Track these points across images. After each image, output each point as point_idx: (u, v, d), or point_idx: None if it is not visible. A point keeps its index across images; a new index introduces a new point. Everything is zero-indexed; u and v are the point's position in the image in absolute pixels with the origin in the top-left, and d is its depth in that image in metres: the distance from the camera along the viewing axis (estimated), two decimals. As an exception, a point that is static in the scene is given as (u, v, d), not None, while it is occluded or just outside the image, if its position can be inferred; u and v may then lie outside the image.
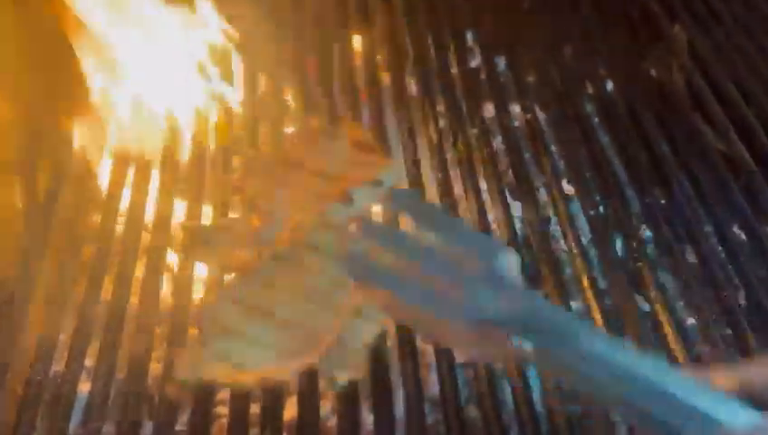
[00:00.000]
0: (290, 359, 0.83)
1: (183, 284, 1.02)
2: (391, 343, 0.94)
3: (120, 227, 1.10)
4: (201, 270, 1.05)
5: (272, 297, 0.90)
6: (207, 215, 1.11)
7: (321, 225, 0.98)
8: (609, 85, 1.36)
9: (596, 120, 1.31)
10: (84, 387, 0.94)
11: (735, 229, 1.15)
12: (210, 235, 1.02)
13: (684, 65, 1.35)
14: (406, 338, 0.95)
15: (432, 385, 0.97)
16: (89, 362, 0.97)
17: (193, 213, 1.10)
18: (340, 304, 0.89)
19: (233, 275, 0.98)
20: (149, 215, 1.11)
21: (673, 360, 0.96)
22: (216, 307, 0.90)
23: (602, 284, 1.07)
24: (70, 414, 0.91)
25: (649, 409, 0.51)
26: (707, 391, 0.51)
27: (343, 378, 0.85)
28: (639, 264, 1.08)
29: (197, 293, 1.02)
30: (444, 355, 0.94)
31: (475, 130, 1.25)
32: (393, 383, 0.92)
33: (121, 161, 1.17)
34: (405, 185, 1.13)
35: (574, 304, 1.05)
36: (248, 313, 0.88)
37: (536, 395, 0.93)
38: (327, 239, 0.96)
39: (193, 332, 0.94)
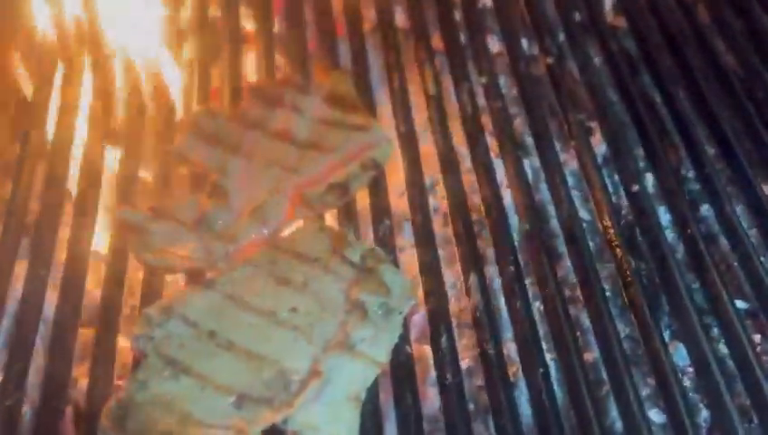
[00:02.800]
0: (253, 409, 0.63)
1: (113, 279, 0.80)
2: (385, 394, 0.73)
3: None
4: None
5: (233, 318, 0.69)
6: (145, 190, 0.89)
7: (305, 222, 0.78)
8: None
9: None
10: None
11: None
12: (147, 224, 0.79)
13: None
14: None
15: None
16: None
17: (127, 191, 0.87)
18: (326, 335, 0.68)
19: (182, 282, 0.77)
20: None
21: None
22: (161, 331, 0.69)
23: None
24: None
25: None
26: None
27: None
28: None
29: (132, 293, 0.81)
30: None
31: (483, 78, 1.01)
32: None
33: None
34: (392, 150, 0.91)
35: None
36: (203, 340, 0.67)
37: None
38: (314, 243, 0.75)
39: (126, 360, 0.73)
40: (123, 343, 0.76)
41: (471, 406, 0.83)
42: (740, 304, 0.93)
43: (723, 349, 0.83)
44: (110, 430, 0.64)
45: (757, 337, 0.92)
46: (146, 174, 0.90)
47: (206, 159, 0.86)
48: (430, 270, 0.82)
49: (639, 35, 1.08)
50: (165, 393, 0.65)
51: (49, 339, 0.77)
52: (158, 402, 0.64)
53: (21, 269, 0.82)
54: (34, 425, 0.72)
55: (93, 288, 0.83)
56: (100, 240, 0.85)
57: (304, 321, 0.70)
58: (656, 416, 0.84)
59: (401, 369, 0.73)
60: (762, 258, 0.88)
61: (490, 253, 0.86)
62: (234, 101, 0.95)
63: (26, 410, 0.75)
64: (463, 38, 1.08)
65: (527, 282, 0.84)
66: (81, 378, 0.78)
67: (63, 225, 0.85)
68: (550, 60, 1.04)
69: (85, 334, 0.79)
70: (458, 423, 0.72)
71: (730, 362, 0.81)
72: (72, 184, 0.89)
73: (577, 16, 1.11)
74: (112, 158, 0.92)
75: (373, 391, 0.70)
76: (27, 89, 1.00)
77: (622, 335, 0.90)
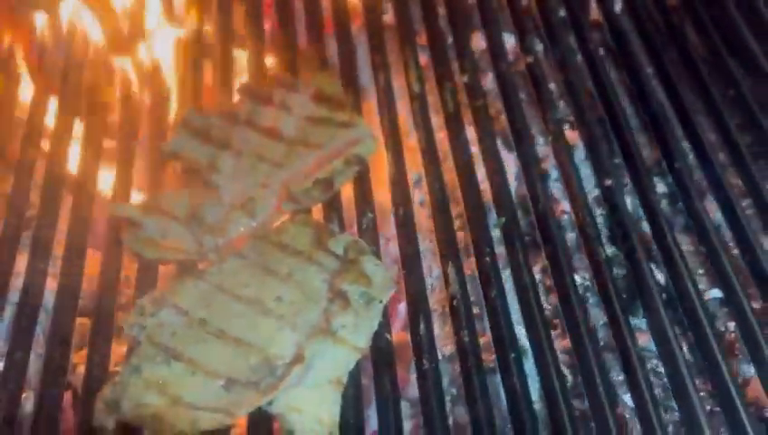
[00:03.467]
0: (240, 392, 0.66)
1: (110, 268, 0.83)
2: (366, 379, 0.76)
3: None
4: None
5: (222, 307, 0.72)
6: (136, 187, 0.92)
7: (291, 216, 0.80)
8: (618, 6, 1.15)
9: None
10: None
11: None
12: (139, 217, 0.82)
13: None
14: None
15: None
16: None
17: (121, 185, 0.90)
18: (309, 322, 0.71)
19: (173, 272, 0.80)
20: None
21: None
22: (154, 319, 0.72)
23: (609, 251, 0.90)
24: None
25: None
26: None
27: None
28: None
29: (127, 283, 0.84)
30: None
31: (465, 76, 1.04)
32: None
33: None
34: (376, 146, 0.93)
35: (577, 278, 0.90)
36: (193, 328, 0.71)
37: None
38: (300, 236, 0.78)
39: (119, 348, 0.76)
40: (119, 330, 0.78)
41: (449, 391, 0.86)
42: (715, 292, 0.97)
43: (690, 337, 0.86)
44: (105, 412, 0.68)
45: (731, 325, 0.95)
46: (139, 169, 0.93)
47: (197, 154, 0.88)
48: (411, 261, 0.84)
49: (618, 33, 1.11)
50: (157, 378, 0.68)
51: (49, 328, 0.80)
52: (151, 386, 0.68)
53: (22, 261, 0.86)
54: (36, 409, 0.75)
55: (90, 279, 0.85)
56: (97, 233, 0.88)
57: (289, 309, 0.74)
58: (629, 400, 0.88)
59: (381, 355, 0.77)
60: (734, 251, 0.91)
61: (470, 245, 0.89)
62: (224, 100, 0.97)
63: (27, 395, 0.78)
64: (447, 37, 1.10)
65: (504, 274, 0.86)
66: (79, 364, 0.81)
67: (62, 218, 0.88)
68: (530, 59, 1.07)
69: (83, 323, 0.82)
70: (435, 408, 0.75)
71: (695, 350, 0.84)
72: (70, 177, 0.92)
73: (560, 13, 1.14)
74: (108, 153, 0.96)
75: (355, 376, 0.73)
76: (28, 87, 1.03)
77: (598, 323, 0.94)
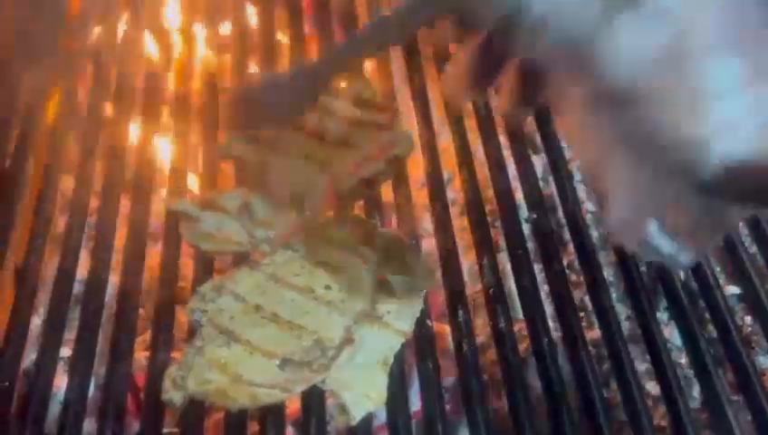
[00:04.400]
0: (295, 371, 0.72)
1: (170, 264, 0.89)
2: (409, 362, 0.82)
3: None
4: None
5: (276, 295, 0.78)
6: (193, 185, 0.98)
7: (336, 211, 0.86)
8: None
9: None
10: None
11: None
12: (195, 212, 0.89)
13: None
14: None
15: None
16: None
17: (178, 183, 0.96)
18: (356, 309, 0.77)
19: (229, 263, 0.86)
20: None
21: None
22: (214, 305, 0.78)
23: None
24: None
25: None
26: None
27: (356, 410, 0.73)
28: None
29: (185, 273, 0.90)
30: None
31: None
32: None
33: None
34: (413, 147, 0.99)
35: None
36: (250, 313, 0.76)
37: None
38: (345, 230, 0.84)
39: (181, 333, 0.82)
40: (179, 317, 0.85)
41: (485, 377, 0.91)
42: (733, 289, 1.01)
43: (712, 330, 0.91)
44: (172, 389, 0.74)
45: (748, 319, 1.00)
46: (194, 168, 0.99)
47: (248, 155, 0.94)
48: (448, 255, 0.90)
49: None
50: (219, 358, 0.74)
51: (113, 315, 0.85)
52: (213, 365, 0.74)
53: (84, 255, 0.92)
54: (104, 390, 0.81)
55: (151, 269, 0.92)
56: (156, 228, 0.94)
57: (337, 296, 0.79)
58: (652, 388, 0.92)
59: (423, 341, 0.82)
60: (751, 249, 0.96)
61: (502, 240, 0.94)
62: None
63: (94, 380, 0.84)
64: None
65: (535, 267, 0.91)
66: (141, 349, 0.87)
67: (122, 216, 0.94)
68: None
69: (145, 311, 0.88)
70: (474, 392, 0.80)
71: (718, 342, 0.88)
72: (129, 176, 0.98)
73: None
74: (164, 152, 1.02)
75: (399, 358, 0.79)
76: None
77: (622, 317, 0.99)
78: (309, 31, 1.15)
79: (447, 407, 0.85)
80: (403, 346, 0.79)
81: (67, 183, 0.99)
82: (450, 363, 0.86)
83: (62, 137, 1.01)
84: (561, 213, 0.98)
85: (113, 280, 0.90)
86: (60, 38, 1.11)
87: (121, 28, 1.13)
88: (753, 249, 0.97)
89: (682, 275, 0.95)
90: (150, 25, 1.14)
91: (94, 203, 0.97)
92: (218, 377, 0.73)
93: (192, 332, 0.80)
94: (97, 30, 1.13)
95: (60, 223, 0.97)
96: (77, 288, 0.89)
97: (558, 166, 1.01)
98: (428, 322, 0.83)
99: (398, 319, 0.79)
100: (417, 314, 0.81)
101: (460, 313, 0.85)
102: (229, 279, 0.82)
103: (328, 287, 0.80)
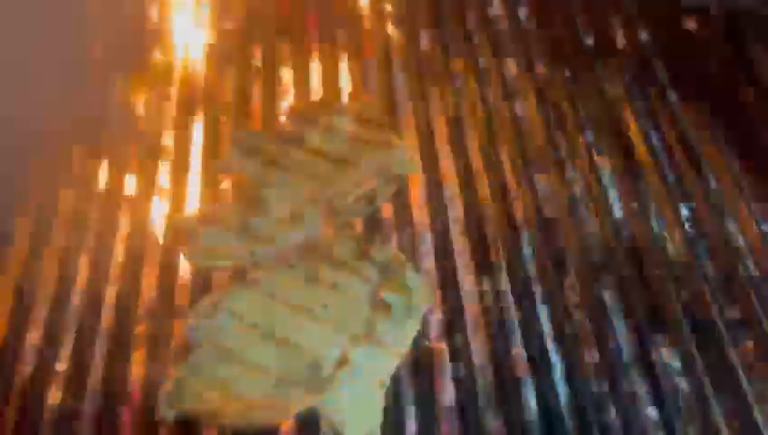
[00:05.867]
0: (290, 391, 0.72)
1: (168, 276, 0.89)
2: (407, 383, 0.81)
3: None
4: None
5: (272, 312, 0.78)
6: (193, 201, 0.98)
7: (336, 230, 0.86)
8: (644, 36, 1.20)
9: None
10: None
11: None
12: (195, 226, 0.88)
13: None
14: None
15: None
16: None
17: (177, 201, 0.96)
18: (353, 329, 0.77)
19: (228, 280, 0.86)
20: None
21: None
22: (212, 322, 0.78)
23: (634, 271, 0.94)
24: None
25: None
26: None
27: (351, 432, 0.73)
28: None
29: (183, 289, 0.89)
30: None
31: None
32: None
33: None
34: (417, 163, 0.99)
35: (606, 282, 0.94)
36: (247, 331, 0.76)
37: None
38: (344, 248, 0.84)
39: (177, 346, 0.81)
40: (176, 332, 0.84)
41: (482, 399, 0.90)
42: (733, 313, 1.00)
43: (711, 355, 0.89)
44: (166, 407, 0.73)
45: (749, 343, 0.98)
46: (195, 184, 0.99)
47: (249, 171, 0.94)
48: (447, 276, 0.89)
49: (644, 63, 1.16)
50: (214, 376, 0.74)
51: (109, 329, 0.85)
52: (209, 383, 0.74)
53: (84, 266, 0.91)
54: (98, 407, 0.81)
55: (149, 285, 0.91)
56: (156, 241, 0.94)
57: (334, 316, 0.79)
58: (651, 412, 0.91)
59: (421, 362, 0.81)
60: (753, 271, 0.95)
61: (502, 260, 0.93)
62: (272, 121, 1.03)
63: (89, 394, 0.83)
64: (482, 61, 1.15)
65: (536, 289, 0.90)
66: (137, 364, 0.86)
67: (121, 229, 0.94)
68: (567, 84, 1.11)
69: (142, 325, 0.87)
70: (470, 414, 0.79)
71: (719, 368, 0.87)
72: (130, 190, 0.98)
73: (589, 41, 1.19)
74: (164, 168, 1.01)
75: (396, 380, 0.78)
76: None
77: (622, 339, 0.98)
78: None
79: (443, 429, 0.85)
80: (399, 368, 0.78)
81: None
82: (448, 383, 0.86)
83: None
84: (562, 234, 0.98)
85: (111, 293, 0.89)
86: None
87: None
88: (755, 272, 0.96)
89: (683, 297, 0.95)
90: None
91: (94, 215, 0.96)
92: (213, 396, 0.73)
93: (189, 349, 0.79)
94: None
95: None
96: (74, 301, 0.89)
97: (561, 187, 1.00)
98: (426, 342, 0.82)
99: (396, 340, 0.78)
100: (415, 335, 0.81)
101: (458, 333, 0.84)
102: (227, 296, 0.81)
103: (325, 306, 0.80)
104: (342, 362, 0.75)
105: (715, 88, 1.12)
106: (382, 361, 0.77)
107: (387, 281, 0.83)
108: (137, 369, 0.84)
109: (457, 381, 0.82)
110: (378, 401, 0.75)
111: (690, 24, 1.20)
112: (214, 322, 0.78)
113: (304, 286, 0.82)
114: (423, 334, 0.83)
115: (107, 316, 0.87)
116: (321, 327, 0.78)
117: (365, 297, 0.81)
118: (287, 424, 0.79)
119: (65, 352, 0.85)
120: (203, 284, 0.87)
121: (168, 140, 1.03)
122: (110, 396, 0.80)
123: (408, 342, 0.80)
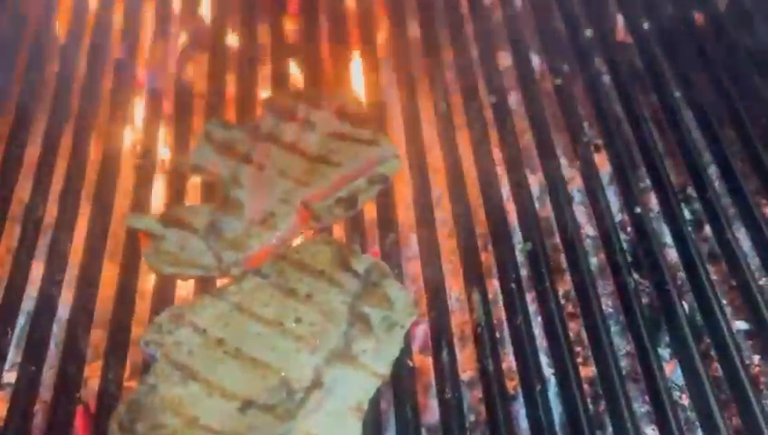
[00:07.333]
0: (257, 416, 0.65)
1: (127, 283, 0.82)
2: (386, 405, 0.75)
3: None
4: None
5: (240, 327, 0.71)
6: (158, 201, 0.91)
7: (312, 234, 0.80)
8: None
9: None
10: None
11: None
12: (158, 229, 0.82)
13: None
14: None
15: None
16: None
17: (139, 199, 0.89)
18: (329, 345, 0.70)
19: (192, 289, 0.79)
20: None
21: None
22: (171, 337, 0.71)
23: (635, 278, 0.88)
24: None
25: None
26: None
27: None
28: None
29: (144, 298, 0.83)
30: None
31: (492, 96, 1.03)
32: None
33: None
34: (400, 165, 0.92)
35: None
36: (211, 347, 0.69)
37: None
38: (320, 255, 0.78)
39: (136, 362, 0.75)
40: (134, 345, 0.78)
41: (470, 418, 0.85)
42: (740, 324, 0.95)
43: (718, 369, 0.84)
44: (119, 431, 0.67)
45: (756, 358, 0.93)
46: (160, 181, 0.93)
47: (219, 167, 0.88)
48: (434, 283, 0.83)
49: (648, 54, 1.10)
50: (173, 397, 0.67)
51: (62, 339, 0.79)
52: (167, 406, 0.67)
53: (37, 270, 0.85)
54: (47, 423, 0.74)
55: (106, 291, 0.85)
56: (115, 245, 0.87)
57: (308, 331, 0.72)
58: (651, 432, 0.86)
59: (402, 381, 0.75)
60: (761, 281, 0.90)
61: (493, 266, 0.88)
62: (247, 113, 0.96)
63: (39, 408, 0.77)
64: (473, 53, 1.09)
65: (528, 297, 0.85)
66: (92, 378, 0.80)
67: (79, 228, 0.87)
68: (558, 80, 1.06)
69: (97, 336, 0.81)
70: (456, 435, 0.74)
71: (724, 383, 0.82)
72: (90, 189, 0.92)
73: (587, 33, 1.13)
74: (130, 164, 0.95)
75: (375, 402, 0.72)
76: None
77: (621, 353, 0.93)
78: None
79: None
80: (379, 390, 0.71)
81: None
82: (432, 402, 0.80)
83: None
84: (557, 237, 0.92)
85: (66, 298, 0.83)
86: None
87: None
88: (764, 281, 0.90)
89: (686, 307, 0.89)
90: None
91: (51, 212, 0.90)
92: (171, 420, 0.66)
93: (146, 366, 0.73)
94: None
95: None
96: (26, 306, 0.83)
97: (556, 187, 0.94)
98: (408, 361, 0.76)
99: (376, 360, 0.72)
100: (397, 354, 0.74)
101: (444, 346, 0.78)
102: (190, 308, 0.74)
103: (299, 320, 0.73)
104: (316, 383, 0.69)
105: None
106: (360, 383, 0.71)
107: (367, 293, 0.77)
108: (91, 383, 0.78)
109: (442, 399, 0.76)
110: (355, 427, 0.68)
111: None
112: (173, 337, 0.72)
113: (275, 298, 0.75)
114: (405, 351, 0.76)
115: (58, 324, 0.81)
116: (294, 344, 0.72)
117: (342, 310, 0.74)
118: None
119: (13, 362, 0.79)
120: (166, 292, 0.81)
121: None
122: (61, 414, 0.74)
123: (390, 361, 0.73)
